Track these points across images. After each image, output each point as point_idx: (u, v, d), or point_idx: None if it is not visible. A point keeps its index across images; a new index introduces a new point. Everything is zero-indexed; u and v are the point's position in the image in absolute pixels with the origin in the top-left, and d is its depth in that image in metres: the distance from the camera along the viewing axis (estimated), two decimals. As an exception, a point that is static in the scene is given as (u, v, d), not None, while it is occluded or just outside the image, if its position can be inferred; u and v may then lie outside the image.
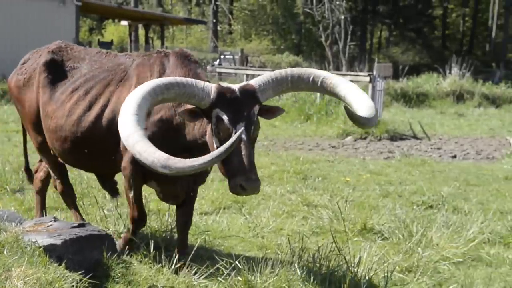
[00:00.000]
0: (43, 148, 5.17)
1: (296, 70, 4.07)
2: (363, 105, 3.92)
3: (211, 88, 3.86)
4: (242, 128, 3.72)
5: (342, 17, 31.67)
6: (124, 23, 39.20)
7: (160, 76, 4.28)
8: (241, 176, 3.61)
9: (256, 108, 3.87)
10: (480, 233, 5.79)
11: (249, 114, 3.81)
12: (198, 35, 56.22)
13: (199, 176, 4.49)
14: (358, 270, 4.44)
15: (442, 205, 7.05)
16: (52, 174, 5.45)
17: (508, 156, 11.43)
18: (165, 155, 3.37)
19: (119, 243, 4.83)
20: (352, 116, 3.87)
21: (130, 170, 4.46)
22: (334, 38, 34.37)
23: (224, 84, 3.96)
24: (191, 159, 3.35)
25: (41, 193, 5.71)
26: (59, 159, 5.13)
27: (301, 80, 4.03)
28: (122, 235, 5.01)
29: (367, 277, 4.37)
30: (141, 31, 41.64)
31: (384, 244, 5.58)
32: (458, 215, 6.60)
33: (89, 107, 4.64)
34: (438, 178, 9.08)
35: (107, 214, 5.84)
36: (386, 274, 4.40)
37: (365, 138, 13.71)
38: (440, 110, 20.83)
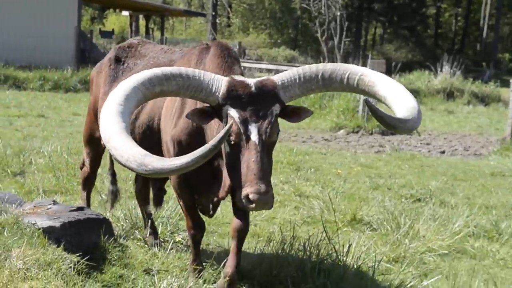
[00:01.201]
0: (89, 139, 5.04)
1: (329, 66, 3.34)
2: (402, 105, 3.23)
3: (222, 81, 3.23)
4: (232, 123, 3.07)
5: (338, 13, 31.61)
6: (125, 13, 39.00)
7: (196, 67, 3.67)
8: (249, 187, 2.98)
9: (276, 108, 3.21)
10: (465, 226, 5.82)
11: (266, 113, 3.15)
12: (197, 27, 56.03)
13: None
14: (347, 259, 4.46)
15: (430, 198, 7.08)
16: (86, 161, 5.24)
17: (495, 153, 11.46)
18: (143, 152, 2.80)
19: (190, 272, 4.15)
20: (383, 119, 3.15)
21: (174, 177, 3.92)
22: (330, 33, 34.27)
23: (238, 77, 3.32)
24: (172, 158, 2.84)
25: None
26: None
27: (334, 78, 3.31)
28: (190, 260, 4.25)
29: (355, 266, 4.39)
30: (142, 22, 41.45)
31: (372, 234, 5.61)
32: (445, 209, 6.63)
33: (135, 113, 4.14)
34: (427, 172, 9.12)
35: (105, 198, 5.84)
36: (373, 263, 4.42)
37: (357, 132, 13.73)
38: (430, 106, 20.85)
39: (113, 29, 40.63)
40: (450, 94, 23.27)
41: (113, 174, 5.36)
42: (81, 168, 5.38)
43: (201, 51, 3.92)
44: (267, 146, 3.14)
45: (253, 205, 3.00)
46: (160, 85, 3.14)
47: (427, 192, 7.36)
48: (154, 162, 2.75)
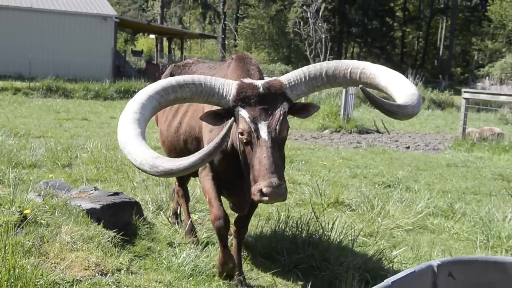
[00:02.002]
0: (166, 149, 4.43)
1: (332, 63, 2.98)
2: (402, 92, 2.86)
3: (232, 85, 2.90)
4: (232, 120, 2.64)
5: (323, 36, 31.51)
6: (152, 36, 39.05)
7: (225, 78, 3.22)
8: (262, 181, 2.66)
9: (284, 106, 2.86)
10: (426, 207, 5.81)
11: (274, 111, 2.82)
12: (210, 47, 56.10)
13: None
14: (331, 234, 4.45)
15: (398, 185, 7.06)
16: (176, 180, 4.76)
17: (449, 148, 11.43)
18: (155, 154, 2.48)
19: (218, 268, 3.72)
20: (382, 107, 2.76)
21: (206, 180, 3.60)
22: (317, 52, 34.21)
23: (247, 80, 2.98)
24: (181, 158, 2.47)
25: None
26: None
27: (337, 73, 2.94)
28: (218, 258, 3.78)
29: (338, 240, 4.38)
30: (165, 43, 41.42)
31: (351, 214, 5.59)
32: (410, 193, 6.61)
33: (179, 121, 3.97)
34: (395, 164, 9.09)
35: (136, 185, 5.83)
36: (352, 237, 4.41)
37: (339, 131, 13.70)
38: (397, 110, 20.83)
39: (142, 49, 40.69)
40: (413, 101, 23.24)
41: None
42: (177, 192, 4.83)
43: (229, 64, 3.61)
44: (277, 142, 2.79)
45: (267, 198, 2.66)
46: (174, 92, 2.81)
47: (396, 179, 7.34)
48: (164, 163, 2.44)
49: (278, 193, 2.65)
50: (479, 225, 5.24)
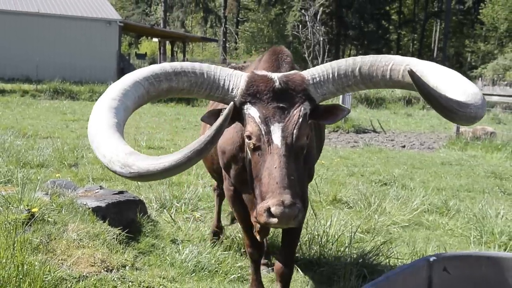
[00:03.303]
0: (210, 170, 3.84)
1: (368, 58, 2.30)
2: (460, 91, 2.16)
3: (241, 77, 2.25)
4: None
5: (321, 39, 31.50)
6: (155, 39, 39.03)
7: None
8: (271, 198, 2.00)
9: (305, 106, 2.21)
10: (422, 204, 5.80)
11: (292, 112, 2.17)
12: (211, 50, 56.08)
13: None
14: (330, 231, 4.44)
15: (394, 183, 7.05)
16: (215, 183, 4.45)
17: (444, 147, 11.42)
18: (128, 150, 1.85)
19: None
20: (438, 101, 2.05)
21: (227, 192, 3.09)
22: (315, 54, 34.22)
23: (261, 71, 2.34)
24: (161, 156, 1.84)
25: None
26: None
27: (374, 71, 2.26)
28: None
29: (336, 236, 4.37)
30: (168, 46, 41.41)
31: (349, 211, 5.58)
32: (405, 191, 6.60)
33: (210, 127, 3.37)
34: (391, 162, 9.08)
35: (140, 184, 5.82)
36: (350, 234, 4.40)
37: (337, 131, 13.69)
38: (393, 111, 20.83)
39: (146, 52, 40.67)
40: (409, 101, 23.28)
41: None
42: (214, 190, 4.68)
43: (260, 59, 2.96)
44: (294, 151, 2.14)
45: (275, 220, 1.99)
46: (168, 80, 2.17)
47: (392, 177, 7.33)
48: (139, 162, 1.80)
49: (290, 214, 1.98)
50: (473, 221, 5.23)
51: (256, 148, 2.18)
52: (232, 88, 2.24)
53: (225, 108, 1.99)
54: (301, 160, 2.23)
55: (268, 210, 2.00)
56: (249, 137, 2.19)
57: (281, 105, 2.17)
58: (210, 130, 1.84)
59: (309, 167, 2.90)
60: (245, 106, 2.21)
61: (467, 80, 2.26)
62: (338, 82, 2.29)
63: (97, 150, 1.92)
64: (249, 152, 2.26)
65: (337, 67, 2.30)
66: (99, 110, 2.03)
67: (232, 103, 2.02)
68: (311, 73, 2.30)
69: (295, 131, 2.14)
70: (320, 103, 2.34)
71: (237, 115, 2.22)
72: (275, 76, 2.26)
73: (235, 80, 2.25)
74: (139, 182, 5.80)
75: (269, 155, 2.11)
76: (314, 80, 2.28)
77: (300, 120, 2.17)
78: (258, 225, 2.74)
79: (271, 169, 2.06)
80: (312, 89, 2.26)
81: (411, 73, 2.00)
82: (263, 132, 2.14)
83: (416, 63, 2.30)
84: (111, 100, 2.04)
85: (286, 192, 2.00)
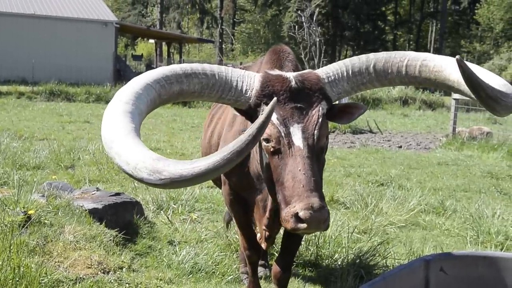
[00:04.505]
0: None
1: (382, 54, 2.25)
2: (495, 81, 2.13)
3: (255, 77, 2.18)
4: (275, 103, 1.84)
5: (317, 39, 31.52)
6: (152, 41, 39.01)
7: None
8: (298, 202, 1.90)
9: (323, 106, 2.14)
10: (418, 204, 5.81)
11: (311, 112, 2.10)
12: (207, 51, 56.05)
13: None
14: (327, 232, 4.44)
15: (390, 183, 7.06)
16: None
17: (440, 147, 11.45)
18: (155, 156, 1.74)
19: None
20: (484, 90, 2.00)
21: (226, 194, 2.98)
22: (311, 55, 34.25)
23: (274, 71, 2.26)
24: (195, 160, 1.71)
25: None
26: None
27: (389, 67, 2.21)
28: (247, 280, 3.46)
29: (333, 237, 4.37)
30: (164, 48, 41.41)
31: (346, 212, 5.59)
32: (402, 191, 6.61)
33: (212, 129, 3.25)
34: (388, 163, 9.10)
35: (137, 186, 5.82)
36: (347, 234, 4.40)
37: (333, 132, 13.70)
38: (390, 111, 20.86)
39: (142, 54, 40.64)
40: (405, 102, 23.32)
41: None
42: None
43: (261, 61, 2.92)
44: (316, 153, 2.07)
45: (305, 225, 1.89)
46: (178, 83, 2.08)
47: (388, 178, 7.34)
48: (170, 167, 1.68)
49: (320, 218, 1.89)
50: (469, 221, 5.24)
51: (275, 152, 2.08)
52: (246, 90, 2.15)
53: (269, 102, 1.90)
54: (320, 162, 2.17)
55: (295, 215, 1.90)
56: (268, 140, 2.09)
57: (299, 105, 2.09)
58: (251, 129, 1.69)
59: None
60: (260, 108, 2.12)
61: (490, 72, 2.24)
62: (353, 80, 2.23)
63: (118, 157, 1.79)
64: (266, 156, 2.16)
65: (350, 65, 2.24)
66: (113, 115, 1.90)
67: (275, 98, 1.87)
68: (325, 72, 2.24)
69: (315, 131, 2.07)
70: (335, 103, 2.27)
71: (250, 118, 2.16)
72: (290, 75, 2.19)
73: (249, 80, 2.16)
74: (135, 183, 5.80)
75: (290, 157, 2.02)
76: (329, 79, 2.21)
77: (320, 120, 2.09)
78: (265, 233, 2.68)
79: (295, 172, 1.96)
80: (328, 88, 2.20)
81: (460, 62, 1.91)
82: (282, 134, 2.05)
83: (432, 57, 2.24)
84: (125, 104, 1.93)
85: (313, 195, 1.91)
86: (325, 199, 2.03)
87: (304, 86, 2.15)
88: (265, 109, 1.76)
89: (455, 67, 2.09)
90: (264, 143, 2.12)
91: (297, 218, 1.90)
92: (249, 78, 2.16)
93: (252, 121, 2.12)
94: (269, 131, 2.06)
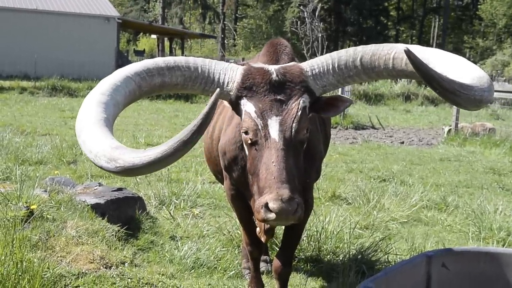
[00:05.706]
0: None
1: (370, 47, 2.20)
2: (466, 75, 2.09)
3: (237, 70, 2.19)
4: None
5: (320, 35, 31.46)
6: (154, 36, 38.97)
7: None
8: (268, 193, 1.93)
9: (304, 99, 2.14)
10: (420, 200, 5.80)
11: (290, 105, 2.10)
12: (210, 47, 55.97)
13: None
14: (329, 227, 4.44)
15: (392, 179, 7.06)
16: None
17: (442, 143, 11.43)
18: (115, 144, 1.82)
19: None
20: (439, 83, 1.95)
21: (227, 189, 2.98)
22: (313, 51, 34.20)
23: (257, 64, 2.28)
24: (148, 149, 1.82)
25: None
26: None
27: (376, 60, 2.15)
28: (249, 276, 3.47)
29: (335, 232, 4.38)
30: (167, 43, 41.36)
31: (348, 207, 5.58)
32: (404, 187, 6.61)
33: (213, 124, 3.13)
34: (390, 158, 9.09)
35: (139, 181, 5.82)
36: (349, 230, 4.41)
37: (335, 127, 13.68)
38: (392, 107, 20.82)
39: (144, 49, 40.59)
40: (407, 97, 23.24)
41: None
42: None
43: (259, 54, 2.93)
44: (293, 145, 2.06)
45: (273, 215, 1.91)
46: (160, 75, 2.12)
47: (390, 174, 7.34)
48: (125, 155, 1.76)
49: (289, 209, 1.90)
50: (471, 217, 5.24)
51: (253, 143, 2.10)
52: (228, 82, 2.17)
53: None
54: (300, 155, 2.15)
55: (265, 205, 1.92)
56: (246, 132, 2.12)
57: (278, 97, 2.10)
58: (196, 120, 1.78)
59: (317, 164, 2.83)
60: (242, 100, 2.14)
61: (474, 65, 2.18)
62: (339, 74, 2.20)
63: (84, 145, 1.88)
64: (246, 148, 2.19)
65: (337, 58, 2.21)
66: (87, 105, 1.98)
67: (218, 89, 1.94)
68: (310, 65, 2.22)
69: (293, 124, 2.07)
70: (321, 96, 2.26)
71: (236, 110, 2.19)
72: (272, 68, 2.20)
73: (231, 73, 2.17)
74: (138, 179, 5.81)
75: (266, 149, 2.04)
76: (314, 72, 2.20)
77: (299, 113, 2.09)
78: (265, 226, 2.67)
79: (269, 164, 1.99)
80: (312, 81, 2.18)
81: (408, 53, 1.89)
82: (259, 127, 2.07)
83: (420, 49, 2.22)
84: (101, 95, 2.00)
85: (284, 187, 1.92)
86: (305, 192, 2.10)
87: (285, 79, 2.15)
88: (210, 99, 1.82)
89: (440, 58, 2.15)
90: (243, 135, 2.15)
91: (266, 208, 1.92)
92: (231, 71, 2.18)
93: (237, 113, 2.18)
94: (246, 123, 2.10)
